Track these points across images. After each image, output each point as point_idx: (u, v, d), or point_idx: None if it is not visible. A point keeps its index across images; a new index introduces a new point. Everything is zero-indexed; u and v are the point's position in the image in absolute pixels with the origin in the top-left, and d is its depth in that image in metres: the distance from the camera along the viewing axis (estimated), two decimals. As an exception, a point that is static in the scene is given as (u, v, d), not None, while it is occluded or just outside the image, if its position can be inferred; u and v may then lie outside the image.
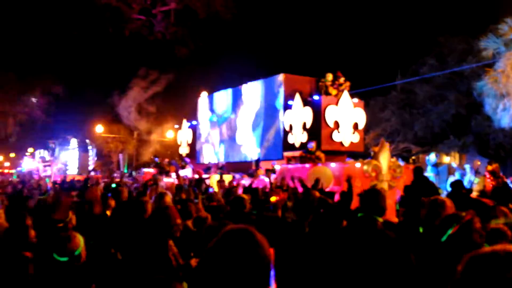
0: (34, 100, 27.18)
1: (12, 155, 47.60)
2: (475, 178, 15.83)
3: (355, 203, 8.29)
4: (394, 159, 15.42)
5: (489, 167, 14.91)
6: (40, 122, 29.37)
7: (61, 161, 36.96)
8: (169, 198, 7.39)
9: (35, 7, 22.13)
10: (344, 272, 3.45)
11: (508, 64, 23.12)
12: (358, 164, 14.46)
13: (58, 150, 34.39)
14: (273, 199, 4.94)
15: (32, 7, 22.00)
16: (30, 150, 40.06)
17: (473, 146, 32.40)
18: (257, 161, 17.73)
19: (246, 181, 14.85)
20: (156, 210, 5.41)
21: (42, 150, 35.16)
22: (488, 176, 13.96)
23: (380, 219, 3.85)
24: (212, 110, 24.63)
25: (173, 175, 18.45)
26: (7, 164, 49.27)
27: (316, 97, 17.85)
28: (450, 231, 3.25)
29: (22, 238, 4.77)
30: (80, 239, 3.98)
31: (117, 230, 5.79)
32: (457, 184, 7.80)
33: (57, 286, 3.88)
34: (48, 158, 33.14)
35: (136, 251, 4.69)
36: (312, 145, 16.28)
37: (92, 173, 23.79)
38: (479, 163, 19.01)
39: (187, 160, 23.46)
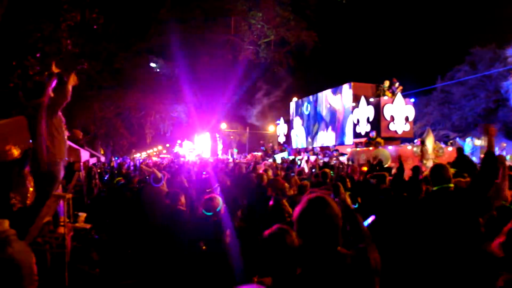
0: (180, 108, 28.41)
1: (167, 145, 50.46)
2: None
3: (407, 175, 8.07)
4: (437, 143, 14.67)
5: (514, 148, 13.80)
6: (185, 122, 30.65)
7: (199, 148, 38.39)
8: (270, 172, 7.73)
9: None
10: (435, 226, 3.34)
11: (530, 67, 21.33)
12: (409, 147, 13.91)
13: (196, 140, 35.73)
14: (364, 168, 4.96)
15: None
16: (179, 141, 41.87)
17: (500, 132, 30.04)
18: (334, 147, 17.55)
19: (325, 159, 14.73)
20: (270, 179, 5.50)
21: (186, 141, 36.79)
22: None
23: (451, 185, 3.51)
24: (298, 114, 24.58)
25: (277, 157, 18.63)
26: (164, 151, 52.40)
27: (376, 99, 17.40)
28: None
29: (177, 199, 5.06)
30: (219, 200, 4.14)
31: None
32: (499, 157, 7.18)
33: (203, 231, 4.06)
34: (190, 146, 34.57)
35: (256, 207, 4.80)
36: (373, 133, 15.91)
37: (223, 156, 24.61)
38: (504, 144, 17.93)
39: (286, 145, 23.57)
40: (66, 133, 5.05)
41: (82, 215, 5.91)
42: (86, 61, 17.09)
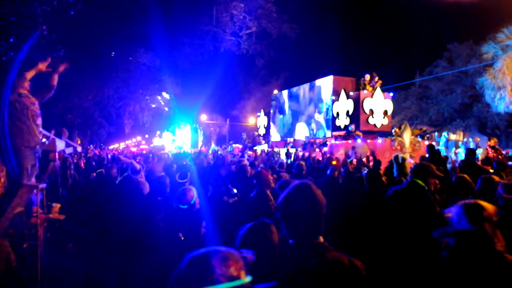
0: (159, 98, 27.98)
1: (146, 136, 49.81)
2: (479, 149, 15.03)
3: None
4: (414, 137, 14.86)
5: (489, 142, 14.13)
6: (164, 112, 30.29)
7: (180, 139, 38.00)
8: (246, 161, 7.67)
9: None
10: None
11: (504, 64, 21.88)
12: (387, 141, 14.07)
13: (177, 131, 35.36)
14: (334, 162, 4.86)
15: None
16: (158, 132, 41.34)
17: (474, 127, 30.71)
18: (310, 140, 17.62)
19: (303, 152, 14.71)
20: (256, 172, 5.41)
21: (166, 132, 36.26)
22: (489, 149, 13.19)
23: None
24: (279, 106, 24.59)
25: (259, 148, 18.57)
26: (143, 142, 51.69)
27: (356, 92, 17.50)
28: None
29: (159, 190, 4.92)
30: (194, 192, 4.01)
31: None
32: (471, 152, 7.29)
33: (180, 224, 3.95)
34: (171, 137, 34.10)
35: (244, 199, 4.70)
36: (352, 127, 16.02)
37: (202, 148, 24.38)
38: (478, 139, 18.36)
39: (267, 138, 23.52)
40: (38, 121, 4.86)
41: (56, 206, 5.72)
42: (63, 48, 16.59)
